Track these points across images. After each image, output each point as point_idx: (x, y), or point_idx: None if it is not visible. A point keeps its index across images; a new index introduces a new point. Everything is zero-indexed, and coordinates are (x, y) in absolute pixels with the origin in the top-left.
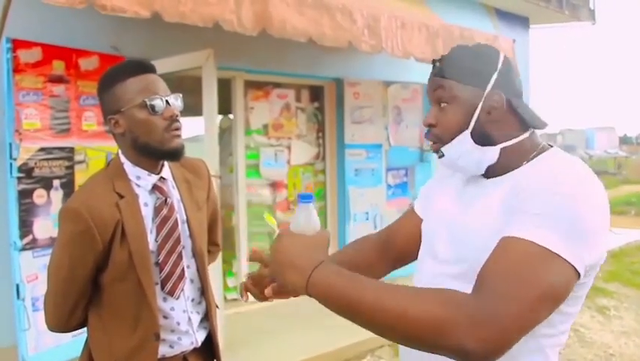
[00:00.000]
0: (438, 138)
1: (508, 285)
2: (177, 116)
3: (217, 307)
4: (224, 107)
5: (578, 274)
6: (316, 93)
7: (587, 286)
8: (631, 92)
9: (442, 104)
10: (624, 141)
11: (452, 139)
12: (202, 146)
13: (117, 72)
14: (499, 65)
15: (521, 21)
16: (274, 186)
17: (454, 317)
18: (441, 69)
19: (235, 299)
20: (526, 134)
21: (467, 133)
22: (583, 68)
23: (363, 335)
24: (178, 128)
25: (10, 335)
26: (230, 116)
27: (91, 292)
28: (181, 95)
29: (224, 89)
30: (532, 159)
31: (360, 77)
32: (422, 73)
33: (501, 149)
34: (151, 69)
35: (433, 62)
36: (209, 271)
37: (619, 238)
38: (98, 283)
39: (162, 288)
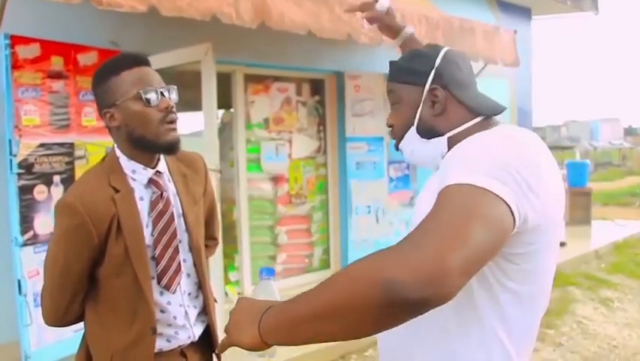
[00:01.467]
0: (394, 135)
1: (434, 224)
2: (172, 107)
3: (215, 301)
4: (225, 101)
5: (509, 207)
6: (317, 86)
7: (541, 237)
8: (635, 82)
9: (393, 106)
10: (629, 132)
11: (402, 136)
12: (202, 140)
13: (111, 66)
14: (438, 61)
15: (523, 12)
16: (275, 180)
17: (386, 268)
18: (389, 73)
19: (237, 293)
20: (474, 121)
21: (413, 129)
22: (586, 59)
23: None
24: (173, 121)
25: (13, 330)
26: (231, 110)
27: (87, 287)
28: (176, 87)
29: (225, 83)
30: None
31: (361, 70)
32: None
33: (449, 137)
34: (145, 62)
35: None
36: (208, 265)
37: (623, 229)
38: (95, 277)
39: (158, 282)
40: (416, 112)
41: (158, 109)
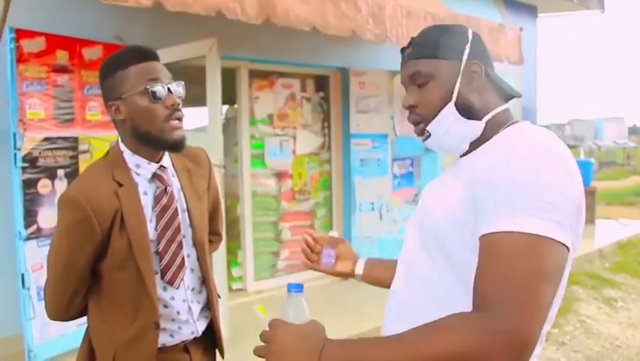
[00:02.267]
0: (422, 117)
1: (510, 288)
2: (179, 105)
3: (219, 296)
4: (229, 97)
5: (567, 246)
6: (321, 83)
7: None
8: None
9: (421, 83)
10: (633, 131)
11: (436, 114)
12: (206, 136)
13: (119, 59)
14: (470, 37)
15: (529, 10)
16: (279, 176)
17: (478, 342)
18: (414, 51)
19: (240, 289)
20: (504, 106)
21: (452, 105)
22: (592, 58)
23: (370, 324)
24: (180, 119)
25: (16, 323)
26: (236, 106)
27: (90, 281)
28: (183, 82)
29: (229, 78)
30: (504, 129)
31: (366, 67)
32: None
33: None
34: (154, 56)
35: (403, 49)
36: (211, 260)
37: (627, 228)
38: (98, 272)
39: (162, 277)
40: (453, 87)
41: (164, 105)
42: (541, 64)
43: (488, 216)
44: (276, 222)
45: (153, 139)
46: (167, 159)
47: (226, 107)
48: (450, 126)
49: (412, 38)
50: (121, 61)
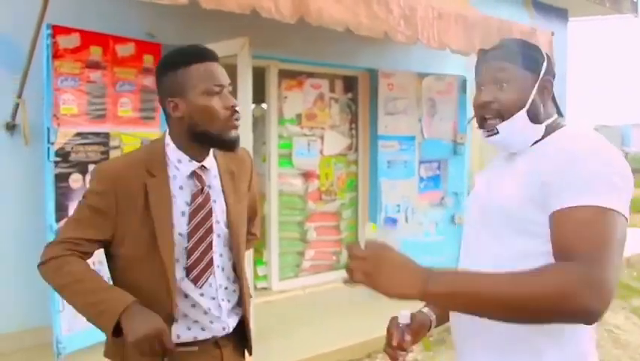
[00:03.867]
0: (498, 113)
1: (599, 249)
2: (237, 106)
3: (250, 296)
4: (258, 96)
5: (626, 218)
6: (350, 84)
7: None
8: None
9: (502, 84)
10: None
11: (511, 115)
12: None
13: (182, 56)
14: (545, 55)
15: (560, 13)
16: (306, 175)
17: (575, 284)
18: (502, 54)
19: (265, 288)
20: (555, 116)
21: (524, 111)
22: (623, 62)
23: None
24: (238, 119)
25: (45, 315)
26: (264, 105)
27: (114, 268)
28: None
29: (259, 77)
30: (555, 131)
31: (395, 69)
32: (457, 65)
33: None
34: (215, 58)
35: (484, 51)
36: (245, 262)
37: None
38: (119, 258)
39: (187, 275)
40: (529, 96)
41: (224, 107)
42: (571, 69)
43: (563, 195)
44: (302, 222)
45: (210, 138)
46: (210, 160)
47: (253, 105)
48: (519, 128)
49: (500, 42)
50: (184, 58)
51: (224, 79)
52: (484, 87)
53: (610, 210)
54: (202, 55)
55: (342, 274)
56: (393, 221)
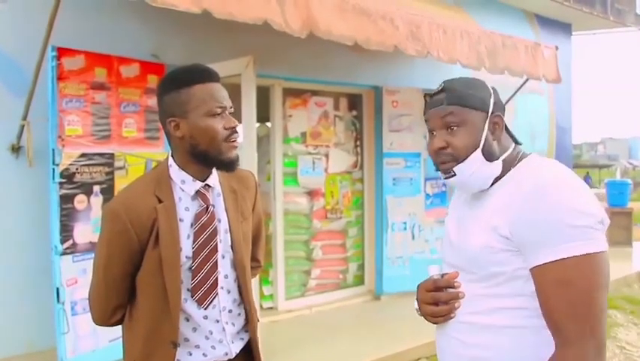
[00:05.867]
0: (453, 157)
1: (588, 320)
2: (237, 126)
3: (258, 320)
4: (262, 114)
5: (606, 249)
6: (354, 101)
7: None
8: None
9: (452, 128)
10: None
11: (466, 157)
12: (241, 154)
13: (184, 76)
14: (491, 90)
15: (563, 27)
16: (311, 194)
17: None
18: (447, 98)
19: (271, 308)
20: (512, 146)
21: (479, 151)
22: (628, 75)
23: (402, 346)
24: (236, 140)
25: (50, 337)
26: (268, 124)
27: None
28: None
29: (263, 96)
30: (516, 164)
31: (399, 85)
32: None
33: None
34: (217, 78)
35: (430, 95)
36: (251, 285)
37: None
38: (135, 283)
39: (192, 295)
40: (481, 136)
41: (224, 127)
42: (575, 82)
43: (537, 249)
44: (308, 241)
45: (209, 158)
46: (213, 179)
47: (258, 124)
48: (476, 169)
49: (443, 85)
50: (185, 78)
51: (226, 100)
52: (435, 132)
53: (587, 256)
54: (204, 75)
55: (349, 292)
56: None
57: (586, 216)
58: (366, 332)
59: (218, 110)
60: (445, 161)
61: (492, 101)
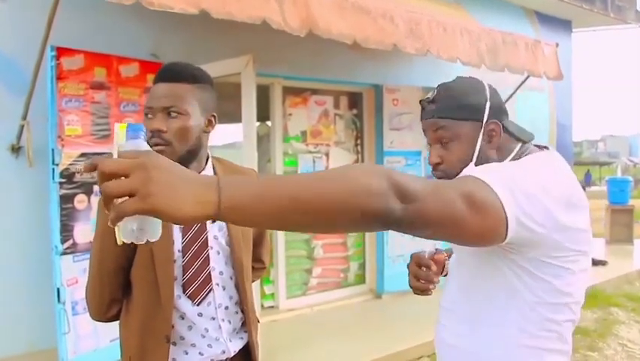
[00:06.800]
0: (445, 173)
1: (437, 182)
2: (155, 131)
3: (258, 321)
4: (262, 113)
5: (506, 217)
6: (355, 100)
7: (569, 255)
8: None
9: (446, 143)
10: None
11: (459, 171)
12: (241, 152)
13: (156, 74)
14: (488, 94)
15: (563, 24)
16: None
17: (383, 183)
18: (437, 111)
19: (272, 306)
20: (517, 146)
21: (472, 165)
22: (628, 72)
23: (403, 344)
24: (158, 144)
25: (51, 337)
26: (268, 123)
27: (125, 284)
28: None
29: (263, 95)
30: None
31: (399, 84)
32: None
33: None
34: (174, 78)
35: (423, 103)
36: (251, 285)
37: None
38: (129, 279)
39: (184, 291)
40: (474, 148)
41: (149, 129)
42: (575, 79)
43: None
44: (309, 240)
45: None
46: (207, 173)
47: (257, 123)
48: None
49: (435, 94)
50: (155, 77)
51: (158, 101)
52: (431, 146)
53: (484, 182)
54: (160, 75)
55: (351, 291)
56: (136, 130)
57: (539, 186)
58: (367, 330)
59: (146, 111)
60: (441, 176)
61: (488, 106)
